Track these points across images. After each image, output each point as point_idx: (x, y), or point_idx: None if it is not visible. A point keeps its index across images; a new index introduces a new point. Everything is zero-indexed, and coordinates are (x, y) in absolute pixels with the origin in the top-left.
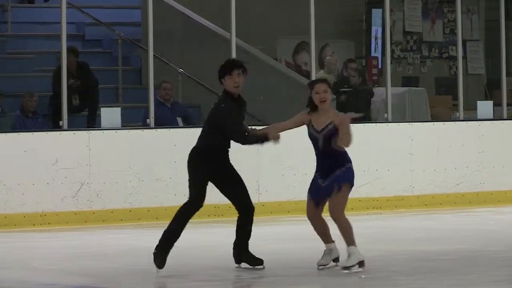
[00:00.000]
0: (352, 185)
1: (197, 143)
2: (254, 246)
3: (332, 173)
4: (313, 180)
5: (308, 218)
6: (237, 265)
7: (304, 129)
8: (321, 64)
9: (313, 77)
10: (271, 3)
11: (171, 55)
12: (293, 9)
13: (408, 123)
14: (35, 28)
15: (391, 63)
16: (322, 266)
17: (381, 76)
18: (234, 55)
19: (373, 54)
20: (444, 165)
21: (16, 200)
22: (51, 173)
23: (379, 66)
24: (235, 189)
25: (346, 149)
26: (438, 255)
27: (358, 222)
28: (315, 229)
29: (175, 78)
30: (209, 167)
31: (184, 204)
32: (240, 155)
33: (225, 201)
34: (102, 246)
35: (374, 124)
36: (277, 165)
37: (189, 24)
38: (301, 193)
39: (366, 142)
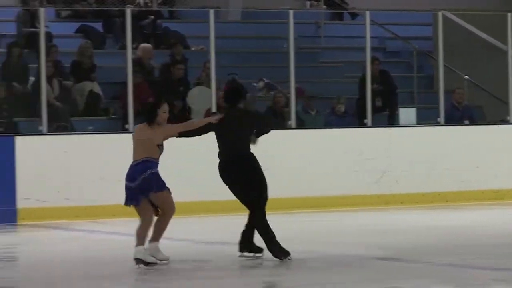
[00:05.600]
0: None
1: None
2: None
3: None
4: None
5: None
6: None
7: None
8: None
9: None
10: None
11: (457, 64)
12: None
13: None
14: (343, 41)
15: None
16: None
17: None
18: (510, 65)
19: None
20: None
21: (323, 184)
22: (358, 162)
23: None
24: None
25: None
26: None
27: None
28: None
29: (460, 83)
30: None
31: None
32: None
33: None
34: (394, 225)
35: None
36: None
37: (472, 38)
38: None
39: None
